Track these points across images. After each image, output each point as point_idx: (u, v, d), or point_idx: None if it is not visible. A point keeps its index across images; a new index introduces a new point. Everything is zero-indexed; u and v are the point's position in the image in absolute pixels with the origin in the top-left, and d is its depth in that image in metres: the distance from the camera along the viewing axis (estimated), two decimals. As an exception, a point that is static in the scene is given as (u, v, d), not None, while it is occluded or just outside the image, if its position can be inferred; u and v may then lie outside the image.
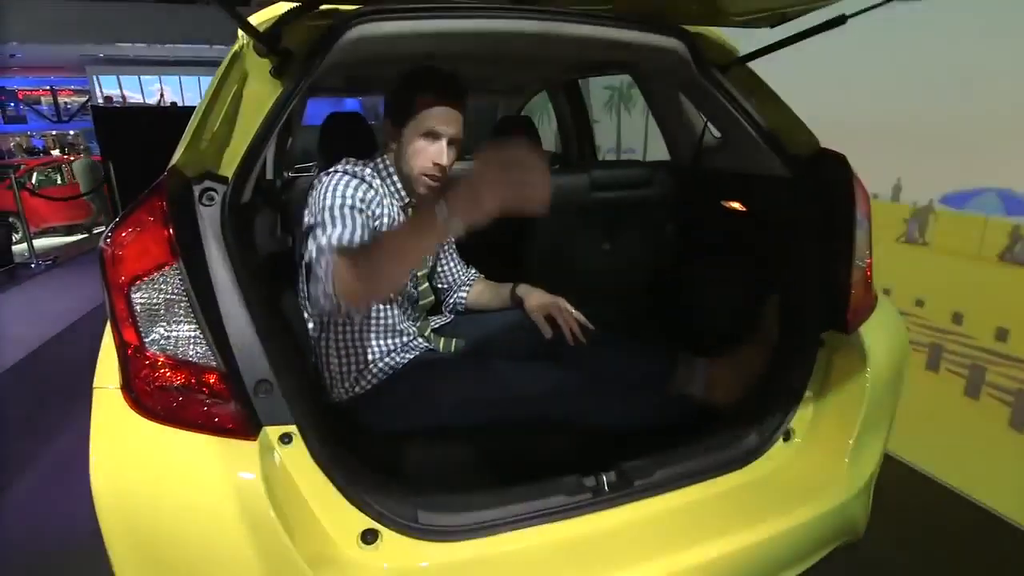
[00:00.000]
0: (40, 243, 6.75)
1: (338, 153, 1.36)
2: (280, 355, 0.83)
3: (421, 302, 1.44)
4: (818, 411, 1.15)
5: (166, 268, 0.77)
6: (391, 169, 1.30)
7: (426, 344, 1.44)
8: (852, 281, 1.18)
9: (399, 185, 1.30)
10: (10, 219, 6.14)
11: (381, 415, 1.31)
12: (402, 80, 1.25)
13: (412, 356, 1.37)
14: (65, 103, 15.64)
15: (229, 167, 0.89)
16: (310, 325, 1.32)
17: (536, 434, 1.29)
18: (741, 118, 1.27)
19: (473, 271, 1.60)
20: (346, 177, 1.19)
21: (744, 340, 1.36)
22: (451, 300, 1.58)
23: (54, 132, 15.55)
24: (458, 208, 0.79)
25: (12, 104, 15.57)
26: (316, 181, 1.21)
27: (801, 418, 1.14)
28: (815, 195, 1.24)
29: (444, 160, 1.22)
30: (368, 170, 1.27)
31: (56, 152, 12.32)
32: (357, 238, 1.03)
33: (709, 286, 1.55)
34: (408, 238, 0.89)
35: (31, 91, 15.58)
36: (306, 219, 1.16)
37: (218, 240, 0.83)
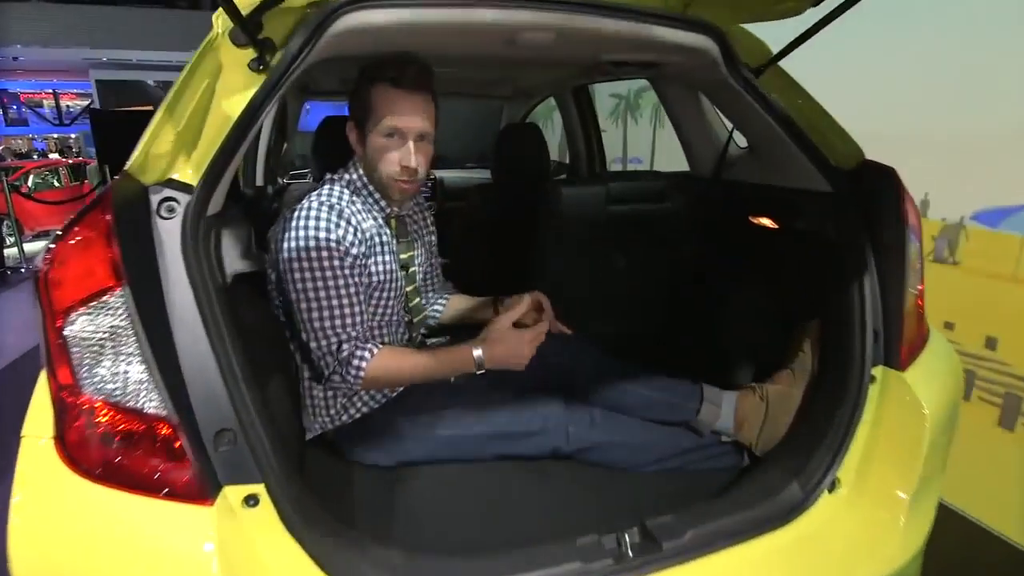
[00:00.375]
0: (33, 247, 6.64)
1: (334, 160, 1.24)
2: (248, 397, 0.70)
3: (416, 319, 1.32)
4: (867, 458, 1.01)
5: (109, 295, 0.64)
6: (364, 180, 1.17)
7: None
8: (905, 311, 1.05)
9: (377, 196, 1.18)
10: (4, 222, 6.02)
11: (369, 447, 1.20)
12: (361, 75, 1.12)
13: (408, 383, 1.24)
14: (67, 107, 15.60)
15: (195, 173, 0.76)
16: (292, 346, 1.19)
17: (545, 474, 1.16)
18: (777, 125, 1.14)
19: (449, 284, 1.48)
20: (323, 213, 1.07)
21: (777, 371, 1.22)
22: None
23: (55, 135, 15.50)
24: (496, 359, 1.05)
25: (15, 107, 15.51)
26: (288, 212, 1.08)
27: (848, 466, 1.00)
28: (860, 212, 1.11)
29: (412, 162, 1.10)
30: (347, 192, 1.15)
31: (54, 155, 12.25)
32: (360, 326, 1.08)
33: (737, 310, 1.42)
34: (442, 371, 1.08)
35: (33, 94, 15.54)
36: (288, 265, 1.05)
37: (178, 260, 0.70)
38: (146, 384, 0.64)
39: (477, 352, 1.05)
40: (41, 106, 15.51)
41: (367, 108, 1.10)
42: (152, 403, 0.65)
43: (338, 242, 1.07)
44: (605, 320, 1.37)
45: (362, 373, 1.04)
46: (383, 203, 1.18)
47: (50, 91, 15.28)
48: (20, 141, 14.57)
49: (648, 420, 1.25)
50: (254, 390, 0.71)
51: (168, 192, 0.73)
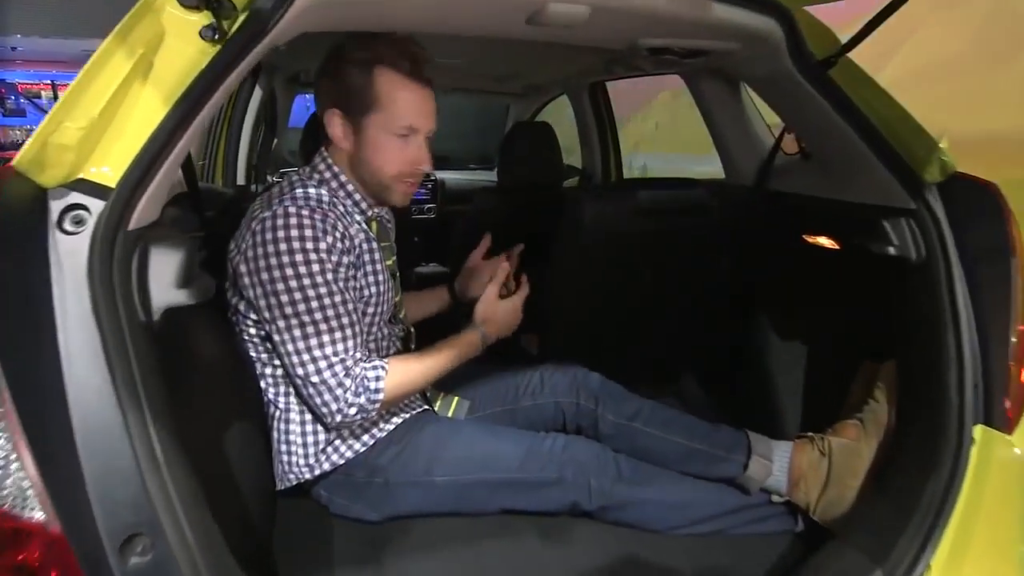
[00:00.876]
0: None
1: None
2: (172, 485, 0.50)
3: (408, 331, 1.18)
4: (963, 541, 0.81)
5: (-36, 345, 0.45)
6: (342, 179, 1.01)
7: (419, 403, 1.12)
8: (1011, 357, 0.85)
9: (357, 197, 1.02)
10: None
11: (352, 499, 1.04)
12: (351, 52, 0.94)
13: (400, 420, 1.07)
14: (65, 98, 15.44)
15: (115, 171, 0.56)
16: (264, 384, 1.00)
17: (562, 535, 1.01)
18: (850, 128, 0.96)
19: None
20: (306, 218, 0.89)
21: (841, 421, 1.03)
22: None
23: (53, 127, 15.35)
24: (494, 335, 1.05)
25: (12, 97, 15.34)
26: (257, 224, 0.90)
27: (941, 550, 0.81)
28: (949, 235, 0.92)
29: (429, 164, 1.00)
30: (324, 192, 0.98)
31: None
32: (363, 347, 0.96)
33: (788, 344, 1.22)
34: (451, 365, 1.01)
35: (32, 85, 15.38)
36: (269, 288, 0.88)
37: (82, 291, 0.51)
38: (16, 472, 0.45)
39: (480, 332, 1.03)
40: (39, 97, 15.32)
41: (369, 97, 0.93)
42: (24, 501, 0.45)
43: (328, 252, 0.90)
44: (630, 351, 1.18)
45: (381, 395, 0.92)
46: (363, 205, 1.02)
47: (48, 82, 15.13)
48: (18, 132, 14.38)
49: (684, 473, 1.06)
50: (183, 472, 0.52)
51: (75, 197, 0.54)
